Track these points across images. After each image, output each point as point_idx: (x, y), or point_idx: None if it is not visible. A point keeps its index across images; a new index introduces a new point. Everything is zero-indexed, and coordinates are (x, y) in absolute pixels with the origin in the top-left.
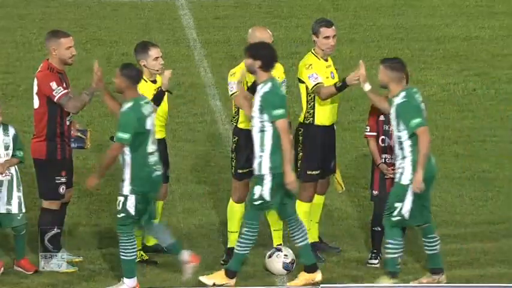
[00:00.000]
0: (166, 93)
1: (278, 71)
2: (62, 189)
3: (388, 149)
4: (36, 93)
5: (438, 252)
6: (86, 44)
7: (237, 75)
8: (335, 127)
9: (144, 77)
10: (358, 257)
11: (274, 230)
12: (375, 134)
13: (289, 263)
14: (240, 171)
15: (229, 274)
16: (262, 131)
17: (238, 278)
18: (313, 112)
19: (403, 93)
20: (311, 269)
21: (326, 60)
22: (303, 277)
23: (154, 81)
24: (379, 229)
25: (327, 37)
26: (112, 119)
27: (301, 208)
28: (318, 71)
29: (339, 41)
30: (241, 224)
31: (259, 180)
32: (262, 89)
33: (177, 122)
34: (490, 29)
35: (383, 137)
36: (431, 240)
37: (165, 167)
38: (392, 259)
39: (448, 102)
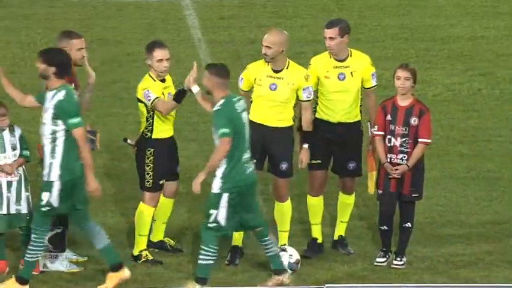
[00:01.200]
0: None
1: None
2: None
3: (394, 149)
4: None
5: (276, 253)
6: (91, 44)
7: (248, 71)
8: (361, 127)
9: (152, 75)
10: (363, 256)
11: (280, 231)
12: (382, 133)
13: (294, 262)
14: None
15: (20, 281)
16: (54, 138)
17: (245, 277)
18: (315, 106)
19: (222, 101)
20: (116, 268)
21: (340, 60)
22: (112, 277)
23: (163, 81)
24: (386, 228)
25: (325, 37)
26: (118, 119)
27: (308, 201)
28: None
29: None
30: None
31: (48, 186)
32: (55, 97)
33: (181, 121)
34: (495, 29)
35: (389, 136)
36: (266, 243)
37: (175, 164)
38: (206, 265)
39: (453, 102)
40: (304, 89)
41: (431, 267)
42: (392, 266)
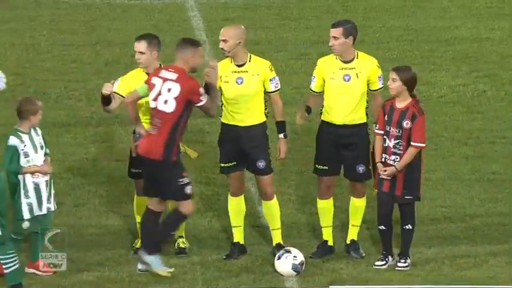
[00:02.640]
0: None
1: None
2: (188, 190)
3: (388, 150)
4: (175, 98)
5: (17, 268)
6: (95, 46)
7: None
8: (367, 130)
9: None
10: (367, 258)
11: (272, 230)
12: (382, 132)
13: (299, 264)
14: (223, 165)
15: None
16: None
17: (248, 279)
18: (321, 109)
19: None
20: None
21: (346, 61)
22: None
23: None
24: (384, 228)
25: (330, 37)
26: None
27: (317, 204)
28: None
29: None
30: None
31: None
32: None
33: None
34: (500, 30)
35: (385, 137)
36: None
37: None
38: (11, 273)
39: (457, 103)
40: (271, 80)
41: (435, 268)
42: (396, 268)
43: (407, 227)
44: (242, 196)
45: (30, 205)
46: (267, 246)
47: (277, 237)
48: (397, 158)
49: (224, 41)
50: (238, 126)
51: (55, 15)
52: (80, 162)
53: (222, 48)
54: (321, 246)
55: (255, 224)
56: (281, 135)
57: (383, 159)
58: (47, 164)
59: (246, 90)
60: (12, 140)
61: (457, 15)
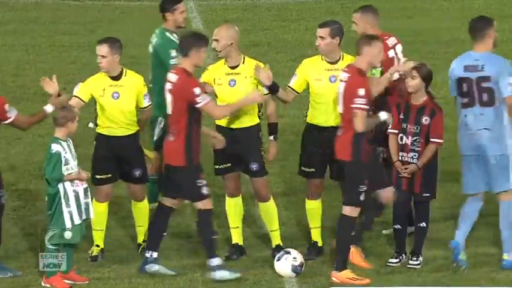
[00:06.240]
0: None
1: None
2: None
3: (405, 147)
4: None
5: None
6: (95, 47)
7: (208, 71)
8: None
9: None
10: (367, 259)
11: (271, 231)
12: (396, 131)
13: (298, 265)
14: (217, 166)
15: None
16: None
17: (248, 281)
18: (306, 111)
19: None
20: None
21: (332, 62)
22: None
23: (112, 77)
24: (400, 227)
25: (316, 37)
26: None
27: (306, 205)
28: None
29: (348, 44)
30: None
31: None
32: None
33: None
34: (500, 32)
35: (401, 135)
36: None
37: (125, 166)
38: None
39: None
40: None
41: (435, 269)
42: (408, 265)
43: (421, 224)
44: (239, 197)
45: (70, 213)
46: (266, 248)
47: (276, 239)
48: (415, 155)
49: (216, 40)
50: (231, 128)
51: (55, 16)
52: (79, 162)
53: (214, 48)
54: (311, 248)
55: (255, 225)
56: (271, 137)
57: (400, 158)
58: (83, 172)
59: (238, 93)
60: (56, 147)
61: (456, 16)
